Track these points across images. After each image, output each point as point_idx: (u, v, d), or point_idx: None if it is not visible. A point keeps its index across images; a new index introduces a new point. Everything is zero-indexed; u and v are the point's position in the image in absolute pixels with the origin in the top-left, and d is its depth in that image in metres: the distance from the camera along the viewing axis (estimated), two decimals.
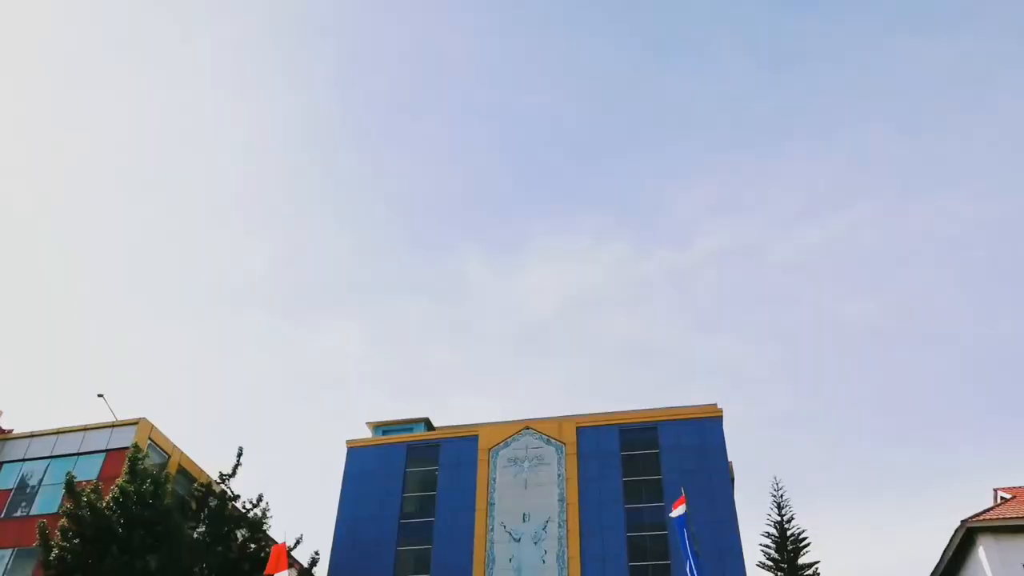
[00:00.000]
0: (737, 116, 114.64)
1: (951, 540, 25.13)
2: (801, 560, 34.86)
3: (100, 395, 32.75)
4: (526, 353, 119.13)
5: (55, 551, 24.20)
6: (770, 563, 35.11)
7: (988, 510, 25.64)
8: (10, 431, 33.94)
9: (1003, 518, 24.44)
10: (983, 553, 23.96)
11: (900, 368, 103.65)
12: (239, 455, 29.33)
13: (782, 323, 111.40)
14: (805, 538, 35.38)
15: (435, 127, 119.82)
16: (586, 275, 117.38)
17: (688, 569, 16.39)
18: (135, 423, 31.83)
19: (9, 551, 29.65)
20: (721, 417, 33.47)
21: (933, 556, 26.65)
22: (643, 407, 35.68)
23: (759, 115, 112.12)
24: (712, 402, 34.40)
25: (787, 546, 35.06)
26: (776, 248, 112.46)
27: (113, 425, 32.19)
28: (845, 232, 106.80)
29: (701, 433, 33.08)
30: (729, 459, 32.81)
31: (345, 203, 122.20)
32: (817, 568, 34.77)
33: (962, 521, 24.56)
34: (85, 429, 32.59)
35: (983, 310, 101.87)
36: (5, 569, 29.27)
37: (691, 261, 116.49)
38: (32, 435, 33.41)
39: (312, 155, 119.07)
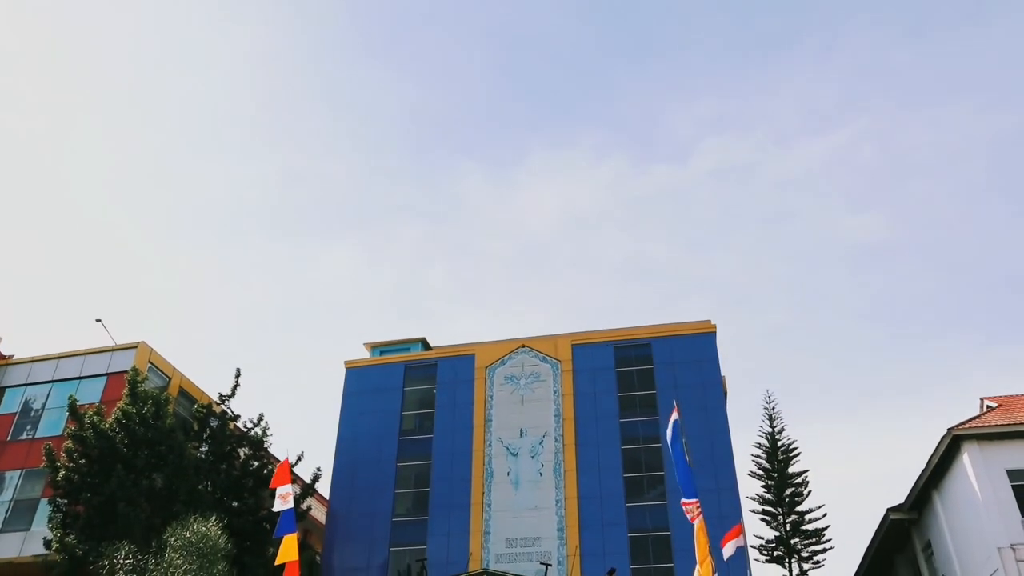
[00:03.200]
0: (739, 30, 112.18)
1: (937, 447, 25.74)
2: (791, 469, 35.75)
3: (98, 320, 32.99)
4: (523, 273, 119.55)
5: (62, 472, 24.72)
6: (760, 472, 36.00)
7: (974, 418, 26.20)
8: (11, 356, 34.22)
9: (987, 426, 25.00)
10: (967, 459, 24.59)
11: (897, 282, 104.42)
12: (237, 376, 29.70)
13: (780, 239, 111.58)
14: (795, 448, 36.19)
15: (429, 45, 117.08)
16: (583, 193, 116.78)
17: (680, 478, 16.82)
18: (134, 347, 32.12)
19: (17, 472, 30.32)
20: (714, 332, 33.86)
21: (921, 465, 27.37)
22: (638, 324, 36.07)
23: (761, 28, 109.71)
24: (707, 318, 34.76)
25: (777, 456, 35.89)
26: (775, 163, 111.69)
27: (113, 349, 32.48)
28: (845, 146, 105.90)
29: (694, 348, 33.52)
30: (722, 374, 33.36)
31: (340, 123, 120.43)
32: (806, 476, 35.69)
33: (948, 429, 25.12)
34: (85, 353, 32.88)
35: (983, 223, 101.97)
36: (15, 489, 29.99)
37: (690, 177, 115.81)
38: (33, 360, 33.73)
39: (305, 75, 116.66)
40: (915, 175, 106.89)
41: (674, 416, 17.04)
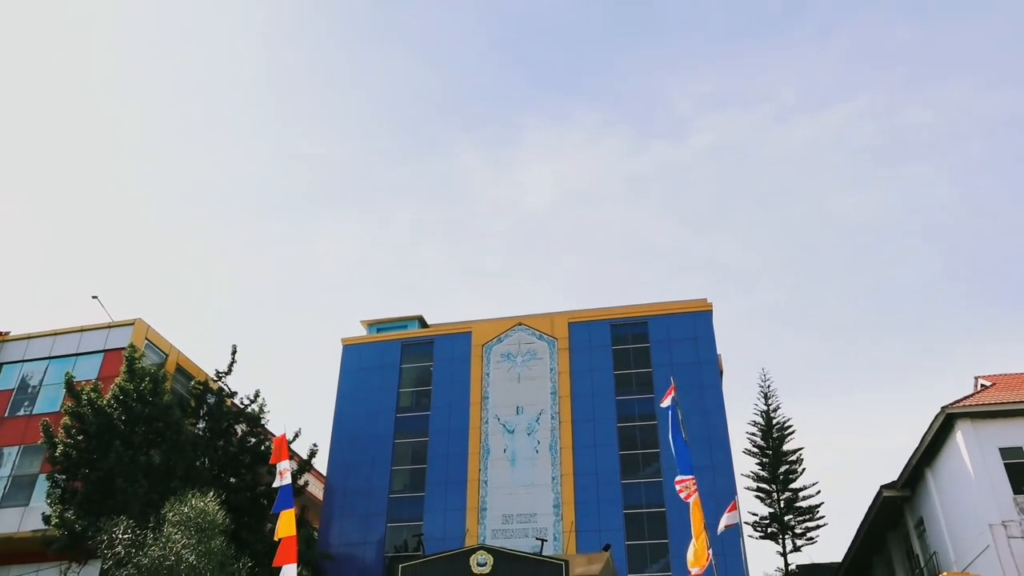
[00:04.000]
0: (739, 6, 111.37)
1: (931, 425, 25.90)
2: (785, 447, 36.04)
3: (95, 296, 32.93)
4: (520, 251, 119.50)
5: (60, 448, 24.77)
6: (755, 450, 36.33)
7: (968, 397, 26.35)
8: (7, 333, 34.18)
9: (981, 404, 25.15)
10: (961, 437, 24.76)
11: (893, 262, 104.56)
12: (234, 353, 29.66)
13: (776, 218, 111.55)
14: (790, 426, 36.48)
15: (425, 22, 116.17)
16: (581, 171, 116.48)
17: (676, 455, 16.93)
18: (131, 323, 32.07)
19: (16, 448, 30.40)
20: (710, 311, 33.95)
21: (915, 443, 27.53)
22: (635, 303, 36.16)
23: (761, 5, 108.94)
24: (703, 297, 34.87)
25: (772, 434, 36.18)
26: (773, 143, 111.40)
27: (110, 326, 32.43)
28: (843, 125, 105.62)
29: (690, 327, 33.63)
30: (718, 352, 33.49)
31: (335, 101, 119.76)
32: (800, 454, 36.05)
33: (942, 407, 25.26)
34: (82, 330, 32.83)
35: (980, 202, 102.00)
36: (13, 465, 30.08)
37: (688, 155, 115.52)
38: (29, 336, 33.68)
39: (299, 54, 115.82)
40: (913, 154, 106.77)
41: (671, 394, 17.13)
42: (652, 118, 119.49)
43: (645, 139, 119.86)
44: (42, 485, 28.16)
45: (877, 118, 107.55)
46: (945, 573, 12.07)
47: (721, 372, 33.64)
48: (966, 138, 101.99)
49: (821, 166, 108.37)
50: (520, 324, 35.68)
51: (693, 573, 14.89)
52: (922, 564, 28.82)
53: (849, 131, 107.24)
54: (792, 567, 36.65)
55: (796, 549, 36.40)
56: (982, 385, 27.97)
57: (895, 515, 30.88)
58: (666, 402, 17.40)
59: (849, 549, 34.50)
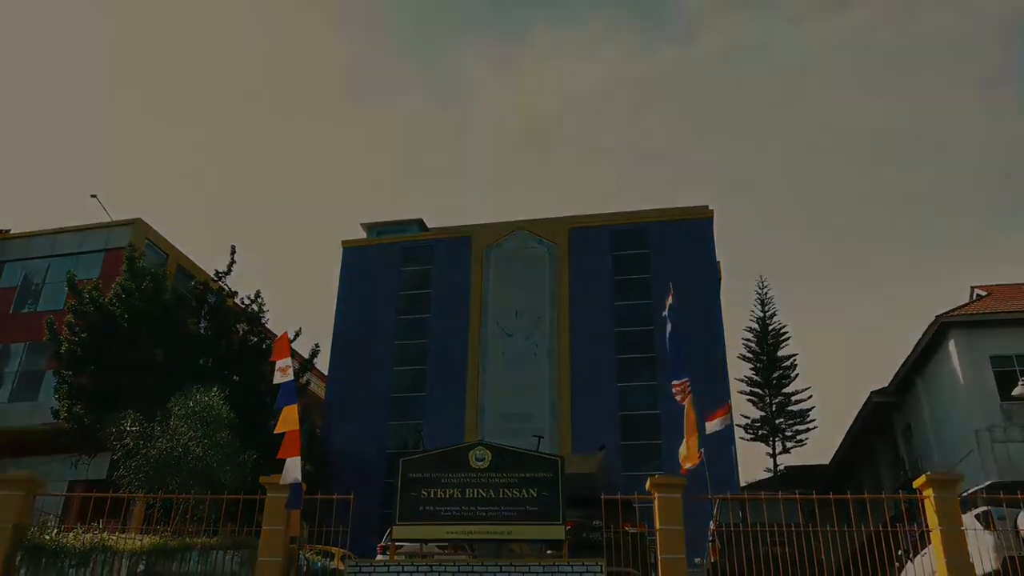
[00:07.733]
0: None
1: (924, 333, 26.20)
2: (779, 353, 36.54)
3: (93, 195, 32.76)
4: (522, 154, 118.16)
5: (65, 345, 25.10)
6: (750, 355, 36.84)
7: (963, 306, 26.58)
8: (8, 231, 34.16)
9: (975, 313, 25.41)
10: (953, 345, 25.10)
11: (900, 169, 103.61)
12: (233, 253, 29.64)
13: (786, 122, 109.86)
14: (785, 333, 36.89)
15: None
16: (587, 73, 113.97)
17: (672, 359, 17.17)
18: (131, 223, 32.06)
19: (22, 345, 30.85)
20: (711, 218, 33.89)
21: (907, 351, 27.86)
22: (636, 209, 36.07)
23: None
24: (706, 204, 34.75)
25: (767, 340, 36.61)
26: (786, 44, 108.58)
27: (110, 225, 32.41)
28: (858, 29, 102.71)
29: (691, 234, 33.65)
30: (718, 259, 33.60)
31: None
32: (795, 360, 36.57)
33: (936, 316, 25.50)
34: (82, 229, 32.84)
35: (991, 112, 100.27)
36: (20, 361, 30.61)
37: (698, 57, 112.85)
38: (30, 235, 33.69)
39: None
40: (929, 60, 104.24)
41: (669, 300, 17.27)
42: (662, 18, 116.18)
43: (654, 40, 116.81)
44: (49, 381, 28.63)
45: (894, 21, 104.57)
46: (929, 472, 12.46)
47: (720, 279, 33.82)
48: (985, 44, 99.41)
49: (834, 70, 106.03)
50: (520, 229, 35.66)
51: (685, 468, 15.35)
52: (907, 467, 29.68)
53: (865, 35, 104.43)
54: (781, 468, 37.75)
55: (786, 451, 37.40)
56: (978, 295, 28.16)
57: (883, 420, 31.60)
58: (667, 308, 17.55)
59: (837, 452, 35.42)
